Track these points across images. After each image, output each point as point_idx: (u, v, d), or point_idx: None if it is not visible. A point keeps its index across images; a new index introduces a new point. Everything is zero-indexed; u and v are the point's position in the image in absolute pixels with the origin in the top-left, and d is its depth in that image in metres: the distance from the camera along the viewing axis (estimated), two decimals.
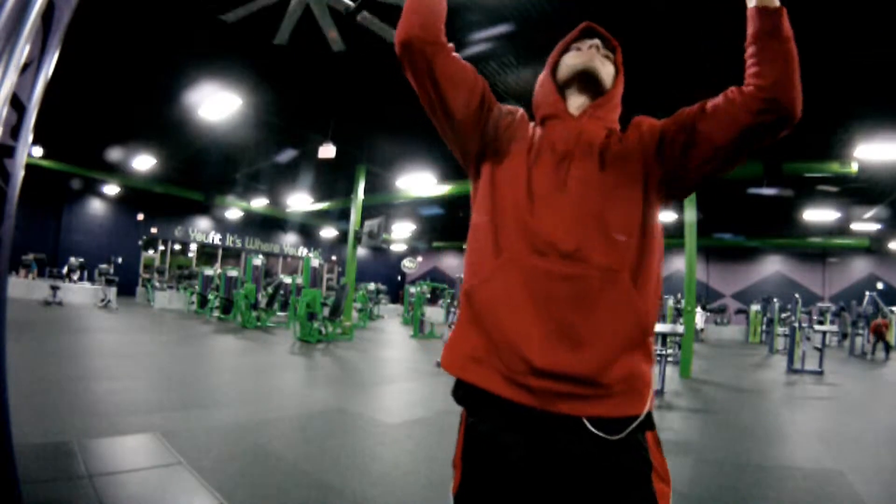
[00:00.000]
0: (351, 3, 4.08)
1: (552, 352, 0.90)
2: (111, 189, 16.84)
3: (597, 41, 1.12)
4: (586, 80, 1.09)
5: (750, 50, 0.93)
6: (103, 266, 14.20)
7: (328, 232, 23.81)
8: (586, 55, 1.09)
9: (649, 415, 0.95)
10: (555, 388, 0.89)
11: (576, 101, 1.10)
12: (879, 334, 12.80)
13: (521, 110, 1.14)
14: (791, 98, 0.88)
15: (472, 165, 1.11)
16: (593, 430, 0.89)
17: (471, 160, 1.11)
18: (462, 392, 1.01)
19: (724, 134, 0.92)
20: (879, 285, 18.25)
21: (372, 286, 19.15)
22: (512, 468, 0.92)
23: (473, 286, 0.99)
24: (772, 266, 20.93)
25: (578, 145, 1.01)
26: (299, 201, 16.67)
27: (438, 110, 1.06)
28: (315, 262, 10.70)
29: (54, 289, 12.46)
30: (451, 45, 1.07)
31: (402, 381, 6.45)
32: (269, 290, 13.01)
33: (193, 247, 20.61)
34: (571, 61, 1.11)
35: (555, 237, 0.94)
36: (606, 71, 1.10)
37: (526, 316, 0.93)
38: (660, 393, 5.90)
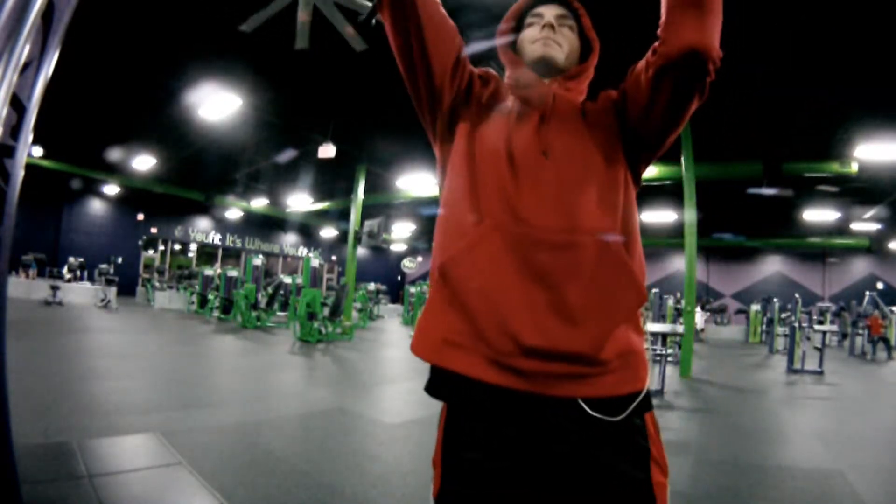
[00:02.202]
0: (367, 3, 4.08)
1: (544, 328, 0.82)
2: (111, 189, 16.85)
3: (554, 12, 1.02)
4: (546, 66, 1.00)
5: None
6: (103, 266, 14.20)
7: (328, 232, 23.82)
8: (541, 40, 1.00)
9: (647, 393, 0.88)
10: (547, 368, 0.82)
11: (545, 76, 1.03)
12: (875, 331, 12.81)
13: (495, 75, 1.08)
14: (687, 43, 0.80)
15: (442, 125, 1.02)
16: (591, 412, 0.82)
17: (442, 118, 1.02)
18: (438, 381, 0.92)
19: (642, 95, 0.89)
20: (879, 285, 18.25)
21: (372, 286, 19.14)
22: (499, 462, 0.83)
23: (451, 258, 0.88)
24: (772, 266, 20.93)
25: (555, 110, 0.96)
26: (299, 201, 16.68)
27: (417, 58, 0.97)
28: (315, 262, 10.69)
29: (54, 289, 12.45)
30: None
31: (402, 381, 6.44)
32: (269, 290, 13.01)
33: (193, 247, 20.61)
34: (528, 46, 1.02)
35: (541, 204, 0.87)
36: (568, 48, 1.01)
37: (513, 289, 0.84)
38: (660, 393, 5.89)
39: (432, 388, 0.95)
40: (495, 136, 0.94)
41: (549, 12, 1.02)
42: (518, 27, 1.06)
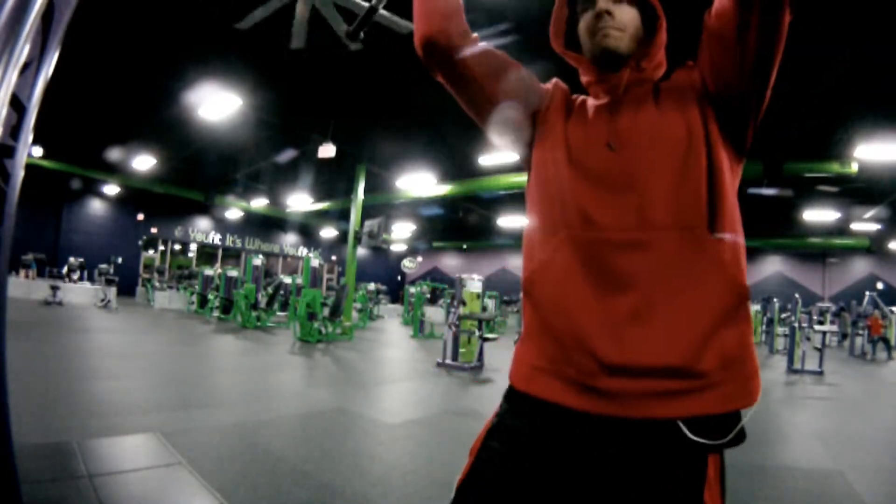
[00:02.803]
0: (364, 3, 4.09)
1: (626, 342, 0.73)
2: (111, 189, 16.85)
3: None
4: (611, 58, 0.89)
5: None
6: (103, 266, 14.20)
7: (328, 232, 23.82)
8: (599, 31, 0.89)
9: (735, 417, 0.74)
10: (635, 386, 0.72)
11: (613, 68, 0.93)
12: (875, 331, 12.81)
13: (563, 86, 1.00)
14: None
15: (527, 152, 0.98)
16: (692, 436, 0.70)
17: (525, 146, 0.98)
18: (527, 407, 0.84)
19: (730, 26, 0.77)
20: (879, 285, 18.25)
21: (372, 286, 19.14)
22: (521, 462, 0.79)
23: (529, 276, 0.84)
24: (772, 266, 20.93)
25: (624, 98, 0.88)
26: (299, 201, 16.68)
27: (483, 104, 0.95)
28: (315, 262, 10.69)
29: (54, 289, 12.46)
30: (474, 35, 0.98)
31: (402, 381, 6.44)
32: (269, 290, 13.01)
33: (193, 247, 20.61)
34: (587, 40, 0.92)
35: (608, 202, 0.79)
36: (632, 29, 0.89)
37: (588, 301, 0.76)
38: None
39: (516, 411, 0.87)
40: (557, 139, 0.89)
41: None
42: (572, 14, 0.97)
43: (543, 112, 0.96)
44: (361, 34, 1.11)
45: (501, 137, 1.00)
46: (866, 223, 14.73)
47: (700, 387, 0.72)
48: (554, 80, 1.00)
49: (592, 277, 0.77)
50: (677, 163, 0.79)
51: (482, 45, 0.97)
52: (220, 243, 20.90)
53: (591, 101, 0.93)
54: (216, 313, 13.25)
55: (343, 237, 20.67)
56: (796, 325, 9.48)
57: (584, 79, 0.96)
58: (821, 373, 8.63)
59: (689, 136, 0.80)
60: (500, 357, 8.07)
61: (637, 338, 0.73)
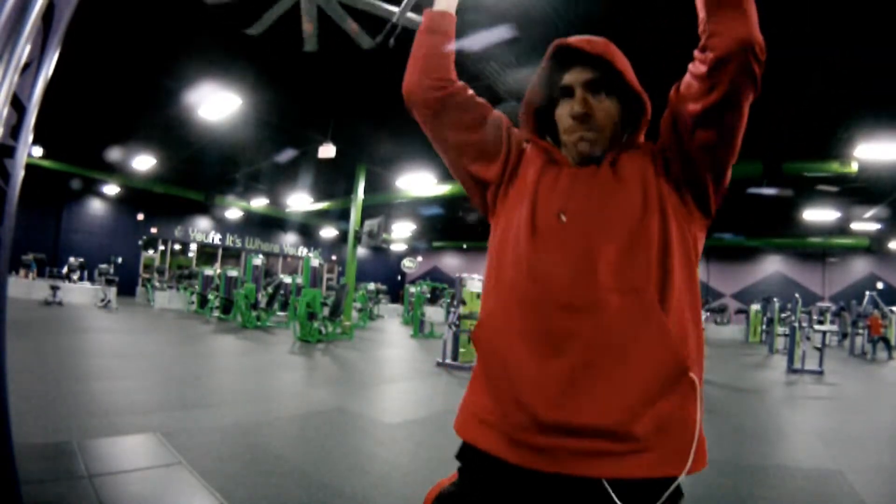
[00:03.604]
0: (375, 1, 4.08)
1: (561, 400, 0.74)
2: (111, 189, 16.85)
3: (583, 77, 0.89)
4: (588, 160, 0.91)
5: None
6: (103, 266, 14.21)
7: (328, 232, 23.82)
8: (575, 134, 0.89)
9: (678, 487, 0.75)
10: (567, 444, 0.73)
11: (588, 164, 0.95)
12: (875, 330, 12.81)
13: (539, 143, 0.99)
14: (727, 24, 0.75)
15: (491, 202, 1.00)
16: (615, 497, 0.71)
17: (490, 197, 1.00)
18: (468, 454, 0.87)
19: (696, 100, 0.79)
20: (879, 285, 18.25)
21: (372, 286, 19.15)
22: None
23: (478, 325, 0.88)
24: (772, 266, 20.94)
25: (582, 169, 0.90)
26: (299, 201, 16.68)
27: (457, 156, 0.99)
28: (315, 262, 10.70)
29: (54, 289, 12.46)
30: (459, 84, 1.00)
31: (402, 381, 6.44)
32: (269, 290, 13.01)
33: (193, 247, 20.62)
34: (564, 136, 0.92)
35: (559, 265, 0.80)
36: (610, 128, 0.89)
37: (528, 357, 0.78)
38: None
39: (462, 459, 0.89)
40: (526, 198, 0.90)
41: (578, 81, 0.89)
42: (549, 96, 0.96)
43: (513, 165, 0.98)
44: (391, 41, 1.15)
45: (466, 186, 1.04)
46: (866, 223, 14.73)
47: (631, 450, 0.72)
48: (530, 138, 1.00)
49: (534, 335, 0.78)
50: (629, 232, 0.80)
51: (459, 98, 0.99)
52: (220, 243, 20.90)
53: (559, 168, 0.93)
54: (216, 313, 13.25)
55: (343, 237, 20.67)
56: (796, 324, 9.48)
57: (556, 156, 0.96)
58: (821, 372, 8.63)
59: (644, 206, 0.82)
60: None
61: (572, 399, 0.74)
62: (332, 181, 14.34)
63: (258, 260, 13.81)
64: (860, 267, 19.43)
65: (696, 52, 0.80)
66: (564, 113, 0.91)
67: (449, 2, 1.08)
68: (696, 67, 0.80)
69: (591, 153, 0.89)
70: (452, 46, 1.05)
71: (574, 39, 0.89)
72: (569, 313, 0.77)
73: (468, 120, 0.98)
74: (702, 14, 0.79)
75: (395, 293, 25.29)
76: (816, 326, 10.88)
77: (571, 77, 0.90)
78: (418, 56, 1.01)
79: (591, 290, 0.77)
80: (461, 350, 7.47)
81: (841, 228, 15.93)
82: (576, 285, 0.78)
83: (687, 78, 0.82)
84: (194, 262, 20.36)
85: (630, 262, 0.78)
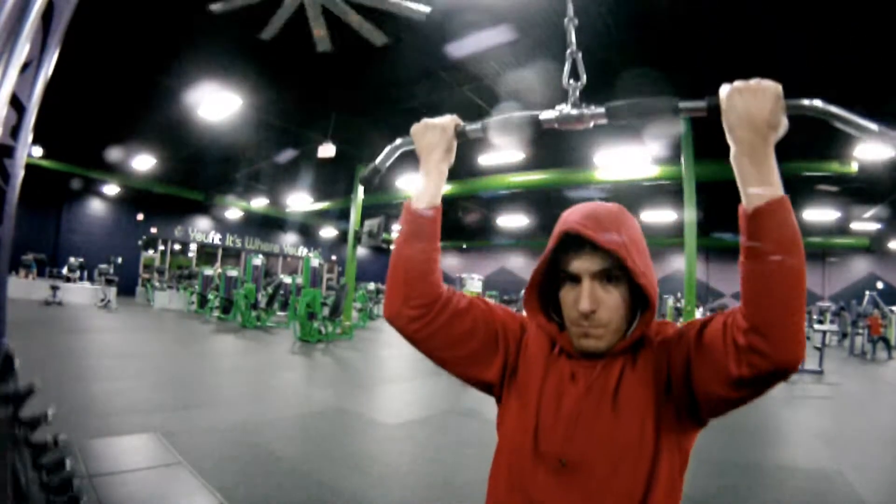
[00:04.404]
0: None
1: None
2: (111, 189, 16.85)
3: (592, 268, 0.83)
4: (590, 356, 0.86)
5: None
6: (103, 266, 14.21)
7: (328, 232, 23.83)
8: (580, 330, 0.85)
9: None
10: None
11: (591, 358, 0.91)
12: (875, 330, 12.82)
13: (531, 323, 0.96)
14: (780, 346, 0.68)
15: (497, 395, 0.98)
16: None
17: (495, 392, 0.97)
18: None
19: (713, 383, 0.75)
20: (879, 285, 18.26)
21: (372, 286, 19.18)
22: None
23: None
24: None
25: (587, 400, 0.84)
26: (299, 201, 16.68)
27: (452, 367, 0.96)
28: (315, 262, 10.70)
29: (54, 289, 12.46)
30: (444, 297, 0.93)
31: (402, 381, 6.44)
32: (269, 290, 13.02)
33: (193, 247, 20.62)
34: (569, 327, 0.87)
35: (553, 495, 0.81)
36: (616, 321, 0.84)
37: None
38: None
39: None
40: (529, 413, 0.87)
41: (587, 270, 0.83)
42: (553, 277, 0.91)
43: (514, 360, 0.94)
44: (375, 180, 1.11)
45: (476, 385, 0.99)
46: (866, 223, 14.74)
47: None
48: (537, 321, 0.93)
49: None
50: (621, 478, 0.80)
51: (445, 316, 0.92)
52: (220, 243, 20.91)
53: (563, 364, 0.89)
54: (216, 313, 13.26)
55: (343, 237, 20.67)
56: None
57: (559, 342, 0.91)
58: (821, 372, 8.63)
59: (640, 445, 0.80)
60: None
61: None
62: (332, 181, 14.35)
63: (258, 260, 13.82)
64: (860, 267, 19.44)
65: (733, 334, 0.74)
66: (570, 301, 0.86)
67: (437, 188, 0.96)
68: (730, 360, 0.73)
69: (596, 349, 0.85)
70: (439, 254, 0.95)
71: (584, 228, 0.82)
72: None
73: (457, 335, 0.93)
74: (746, 312, 0.74)
75: None
76: (816, 326, 10.88)
77: (579, 265, 0.84)
78: (397, 279, 0.93)
79: None
80: None
81: (841, 228, 15.94)
82: None
83: (718, 343, 0.75)
84: (194, 262, 20.36)
85: (617, 500, 0.79)
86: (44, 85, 1.39)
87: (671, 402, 0.81)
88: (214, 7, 4.30)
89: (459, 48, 6.18)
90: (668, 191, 11.62)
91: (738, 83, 0.73)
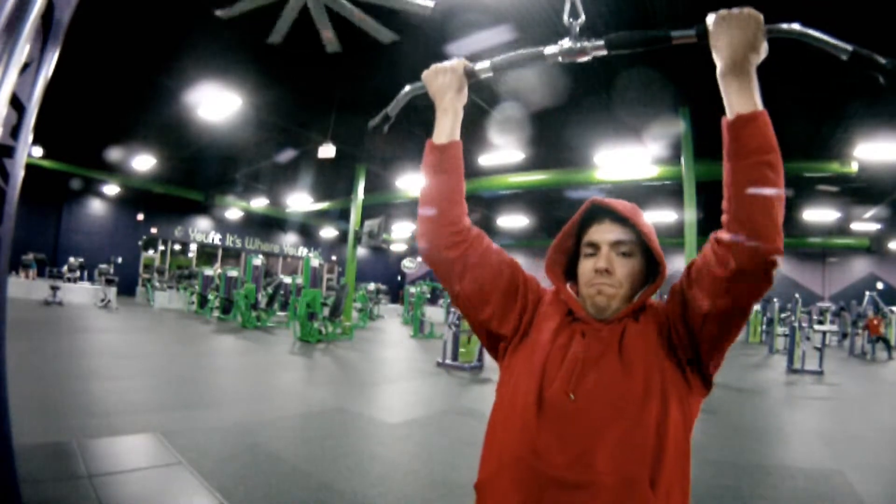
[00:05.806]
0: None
1: None
2: (111, 189, 16.85)
3: (610, 237, 0.92)
4: (601, 312, 0.93)
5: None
6: (103, 266, 14.21)
7: (328, 232, 23.82)
8: (595, 286, 0.91)
9: None
10: None
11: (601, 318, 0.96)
12: (874, 331, 12.82)
13: (549, 293, 1.01)
14: (762, 232, 0.77)
15: (502, 352, 1.01)
16: None
17: (501, 348, 1.01)
18: None
19: (703, 299, 0.81)
20: (879, 285, 18.26)
21: (372, 286, 19.15)
22: None
23: (479, 483, 0.91)
24: None
25: (593, 348, 0.90)
26: (299, 201, 16.68)
27: (473, 311, 0.99)
28: (315, 262, 10.70)
29: (54, 289, 12.46)
30: (474, 232, 0.98)
31: (402, 381, 6.44)
32: (269, 290, 13.02)
33: (193, 247, 20.62)
34: (584, 288, 0.94)
35: (559, 443, 0.84)
36: (628, 285, 0.92)
37: None
38: None
39: None
40: (537, 362, 0.91)
41: (605, 239, 0.92)
42: (575, 247, 0.99)
43: (529, 319, 0.98)
44: (385, 127, 1.14)
45: (479, 337, 1.03)
46: (866, 223, 14.74)
47: None
48: (557, 287, 1.00)
49: None
50: (629, 416, 0.83)
51: (476, 253, 0.97)
52: (220, 243, 20.90)
53: (574, 327, 0.94)
54: (216, 313, 13.26)
55: (343, 237, 20.66)
56: (796, 324, 9.48)
57: (571, 307, 0.97)
58: (821, 372, 8.63)
59: (646, 392, 0.84)
60: None
61: None
62: (332, 181, 14.35)
63: (258, 260, 13.81)
64: (860, 267, 19.44)
65: (716, 244, 0.80)
66: (588, 268, 0.94)
67: (454, 124, 1.02)
68: (714, 267, 0.80)
69: (607, 306, 0.92)
70: (463, 185, 1.00)
71: (607, 199, 0.94)
72: (564, 491, 0.80)
73: (487, 276, 0.98)
74: (728, 208, 0.80)
75: (395, 293, 25.30)
76: (816, 326, 10.88)
77: (599, 235, 0.93)
78: (430, 208, 0.98)
79: (587, 471, 0.80)
80: (461, 350, 7.47)
81: (841, 228, 15.94)
82: (575, 464, 0.81)
83: (701, 265, 0.82)
84: (194, 262, 20.36)
85: (628, 448, 0.82)
86: (44, 85, 1.39)
87: (675, 356, 0.87)
88: (220, 13, 4.31)
89: (460, 48, 6.18)
90: (668, 191, 11.61)
91: (723, 11, 0.79)
